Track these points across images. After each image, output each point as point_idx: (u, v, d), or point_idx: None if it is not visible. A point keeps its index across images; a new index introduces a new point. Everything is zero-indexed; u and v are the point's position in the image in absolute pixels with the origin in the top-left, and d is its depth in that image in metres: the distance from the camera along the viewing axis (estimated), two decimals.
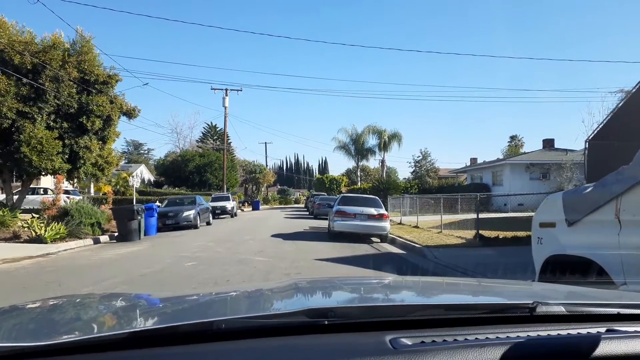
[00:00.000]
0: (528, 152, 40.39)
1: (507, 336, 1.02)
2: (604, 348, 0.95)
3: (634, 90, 10.38)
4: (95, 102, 17.84)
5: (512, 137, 63.22)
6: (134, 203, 17.71)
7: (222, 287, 6.62)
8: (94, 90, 18.14)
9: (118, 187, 37.32)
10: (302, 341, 1.02)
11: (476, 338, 1.00)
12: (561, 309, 1.21)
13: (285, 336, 1.03)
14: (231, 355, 0.94)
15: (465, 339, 1.00)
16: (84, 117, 17.67)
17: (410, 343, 0.97)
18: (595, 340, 0.97)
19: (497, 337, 1.01)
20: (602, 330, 1.09)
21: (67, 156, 17.65)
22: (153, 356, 0.94)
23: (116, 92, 19.59)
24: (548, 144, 38.75)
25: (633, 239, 3.29)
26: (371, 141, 51.72)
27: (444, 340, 0.99)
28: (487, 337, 1.01)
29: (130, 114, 20.01)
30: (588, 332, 1.07)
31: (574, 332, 1.07)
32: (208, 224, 21.53)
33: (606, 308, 1.29)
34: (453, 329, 1.09)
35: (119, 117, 19.59)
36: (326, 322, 1.07)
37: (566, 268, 3.92)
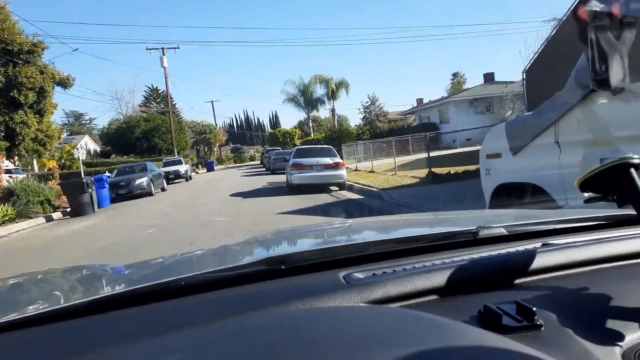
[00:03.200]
0: (470, 88, 41.29)
1: (452, 260, 1.06)
2: (539, 260, 1.00)
3: (564, 17, 10.70)
4: (24, 73, 16.70)
5: (455, 75, 64.17)
6: (83, 176, 17.04)
7: (186, 249, 6.63)
8: (19, 61, 16.93)
9: (63, 161, 35.66)
10: (260, 287, 1.04)
11: (423, 265, 1.04)
12: (501, 231, 1.27)
13: (244, 285, 1.05)
14: (191, 308, 0.95)
15: (413, 267, 1.03)
16: (15, 90, 16.56)
17: (362, 276, 1.00)
18: (531, 254, 1.02)
19: (442, 262, 1.05)
20: (538, 245, 1.15)
21: (2, 134, 16.65)
22: (112, 319, 0.93)
23: (45, 61, 18.38)
24: (489, 78, 39.68)
25: (572, 158, 3.52)
26: (319, 91, 51.24)
27: (394, 271, 1.02)
28: (433, 263, 1.04)
29: (64, 83, 18.90)
30: (525, 248, 1.12)
31: (513, 249, 1.13)
32: (163, 189, 21.12)
33: (542, 225, 1.37)
34: (402, 259, 1.13)
35: (53, 88, 18.47)
36: (283, 267, 1.10)
37: (514, 195, 4.17)
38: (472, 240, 1.24)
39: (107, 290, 1.34)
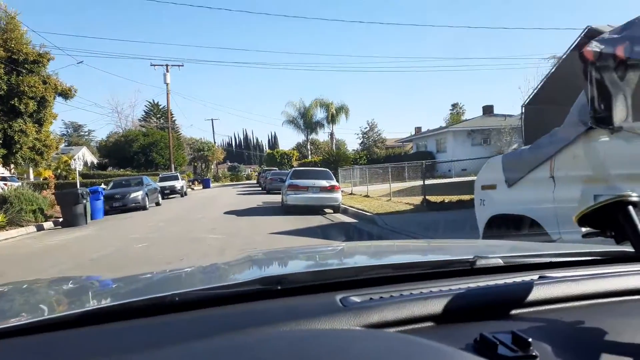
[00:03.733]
0: (469, 119, 41.77)
1: (449, 288, 1.06)
2: (536, 293, 1.01)
3: (564, 56, 10.88)
4: (27, 82, 16.73)
5: (454, 105, 64.86)
6: (78, 187, 16.98)
7: (176, 266, 6.57)
8: (24, 71, 16.98)
9: (59, 171, 35.54)
10: (255, 307, 1.04)
11: (420, 292, 1.05)
12: (498, 261, 1.28)
13: (239, 303, 1.05)
14: (184, 324, 0.95)
15: (410, 293, 1.04)
16: (16, 99, 16.57)
17: (359, 300, 1.00)
18: (528, 286, 1.03)
19: (439, 289, 1.06)
20: (535, 277, 1.16)
21: (0, 141, 16.62)
22: (102, 332, 0.93)
23: (49, 71, 18.37)
24: (488, 110, 40.12)
25: (566, 193, 3.54)
26: (319, 114, 51.76)
27: (391, 296, 1.02)
28: (430, 291, 1.05)
29: (66, 94, 18.93)
30: (522, 280, 1.14)
31: (510, 280, 1.14)
32: (157, 204, 21.04)
33: (539, 258, 1.38)
34: (400, 285, 1.14)
35: (54, 98, 18.48)
36: (279, 288, 1.10)
37: (507, 225, 4.17)
38: (469, 269, 1.25)
39: (94, 304, 1.33)
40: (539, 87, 12.79)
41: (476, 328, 0.84)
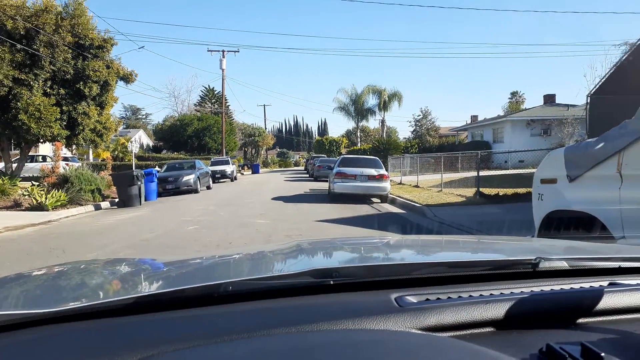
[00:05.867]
0: (529, 108, 40.03)
1: (511, 292, 1.02)
2: (607, 301, 0.95)
3: (638, 42, 10.13)
4: (92, 67, 17.53)
5: (513, 94, 62.59)
6: (133, 168, 17.66)
7: (225, 249, 6.67)
8: (89, 55, 17.79)
9: (117, 153, 37.26)
10: (308, 301, 1.03)
11: (480, 295, 1.01)
12: (563, 264, 1.21)
13: (291, 297, 1.05)
14: (239, 317, 0.95)
15: (470, 295, 1.01)
16: (81, 82, 17.40)
17: (415, 301, 0.98)
18: (598, 294, 0.97)
19: (501, 293, 1.02)
20: (605, 284, 1.09)
21: (65, 123, 17.48)
22: (160, 320, 0.94)
23: (112, 56, 19.21)
24: (549, 99, 38.39)
25: (634, 193, 3.27)
26: (371, 101, 51.30)
27: (449, 297, 0.99)
28: (491, 294, 1.01)
29: (127, 78, 19.70)
30: (591, 286, 1.07)
31: (576, 286, 1.07)
32: (208, 188, 21.58)
33: (607, 262, 1.29)
34: (457, 286, 1.09)
35: (116, 82, 19.30)
36: (332, 282, 1.09)
37: (566, 223, 3.93)
38: (530, 271, 1.19)
39: (147, 288, 1.37)
40: (607, 75, 12.01)
41: (541, 337, 0.81)
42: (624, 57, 11.48)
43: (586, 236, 3.63)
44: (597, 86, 12.23)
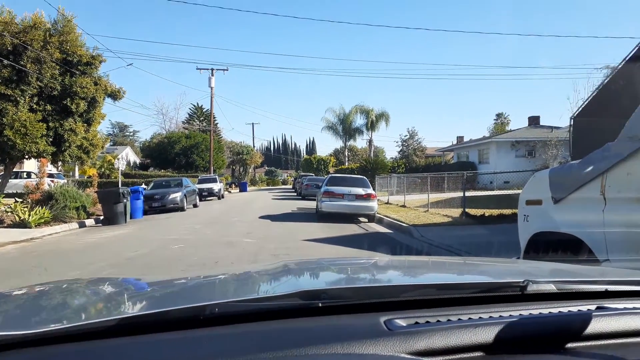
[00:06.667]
0: (514, 130, 40.67)
1: (500, 315, 1.02)
2: (595, 325, 0.96)
3: (619, 66, 10.38)
4: (79, 83, 17.44)
5: (498, 115, 63.54)
6: (120, 186, 17.50)
7: (210, 269, 6.60)
8: (77, 72, 17.70)
9: (103, 170, 36.84)
10: (296, 324, 1.02)
11: (469, 318, 1.01)
12: (551, 287, 1.21)
13: (280, 319, 1.03)
14: (225, 341, 0.93)
15: (459, 319, 1.00)
16: (68, 99, 17.29)
17: (404, 324, 0.98)
18: (586, 318, 0.98)
19: (490, 316, 1.01)
20: (593, 307, 1.10)
21: (51, 139, 17.30)
22: (143, 343, 0.92)
23: (100, 73, 19.12)
24: (534, 121, 39.07)
25: (617, 215, 3.31)
26: (359, 121, 51.68)
27: (438, 321, 0.99)
28: (480, 317, 1.01)
29: (115, 95, 19.62)
30: (579, 310, 1.08)
31: (565, 310, 1.08)
32: (195, 206, 21.43)
33: (594, 285, 1.30)
34: (446, 309, 1.09)
35: (103, 99, 19.20)
36: (320, 305, 1.07)
37: (551, 245, 3.95)
38: (519, 294, 1.19)
39: (130, 309, 1.34)
40: (590, 98, 12.26)
41: None
42: (606, 81, 11.77)
43: (571, 259, 3.65)
44: (580, 109, 12.47)
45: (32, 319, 1.21)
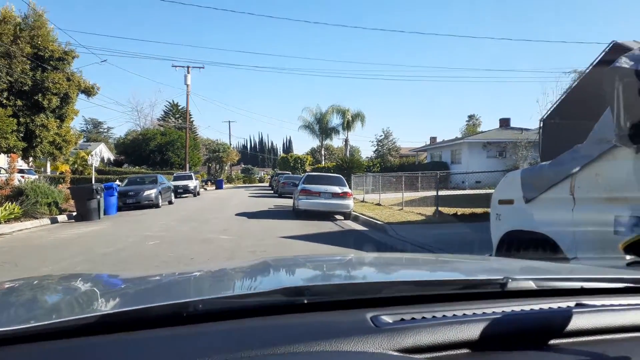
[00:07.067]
0: (485, 131, 41.42)
1: (483, 312, 1.02)
2: (576, 322, 0.97)
3: (587, 70, 10.73)
4: (51, 79, 17.01)
5: (470, 117, 64.59)
6: (93, 182, 17.15)
7: (186, 266, 6.57)
8: (49, 67, 17.26)
9: (76, 166, 36.02)
10: (281, 321, 1.00)
11: (454, 314, 1.01)
12: (530, 284, 1.23)
13: (264, 316, 1.01)
14: (209, 338, 0.90)
15: (444, 315, 1.00)
16: (40, 94, 16.85)
17: (391, 321, 0.97)
18: (567, 314, 1.00)
19: (473, 313, 1.02)
20: (572, 304, 1.11)
21: (22, 134, 16.83)
22: (121, 343, 0.88)
23: (73, 69, 18.68)
24: (504, 123, 39.84)
25: (586, 215, 3.42)
26: (335, 120, 51.72)
27: (423, 317, 0.99)
28: (464, 314, 1.01)
29: (88, 91, 19.21)
30: (559, 307, 1.09)
31: (545, 306, 1.09)
32: (170, 203, 21.18)
33: (571, 282, 1.32)
34: (429, 305, 1.09)
35: (77, 95, 18.77)
36: (305, 301, 1.06)
37: (522, 243, 4.07)
38: (499, 291, 1.20)
39: (104, 306, 1.30)
40: (558, 101, 12.63)
41: (515, 358, 0.82)
42: (574, 84, 12.14)
43: (541, 256, 3.77)
44: (549, 111, 12.82)
45: (1, 318, 1.16)
